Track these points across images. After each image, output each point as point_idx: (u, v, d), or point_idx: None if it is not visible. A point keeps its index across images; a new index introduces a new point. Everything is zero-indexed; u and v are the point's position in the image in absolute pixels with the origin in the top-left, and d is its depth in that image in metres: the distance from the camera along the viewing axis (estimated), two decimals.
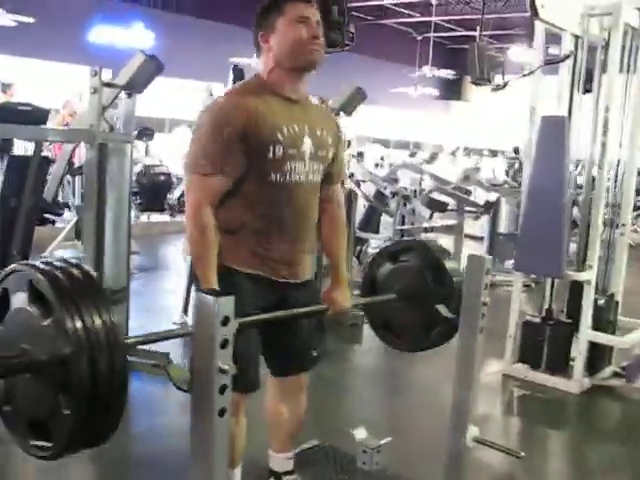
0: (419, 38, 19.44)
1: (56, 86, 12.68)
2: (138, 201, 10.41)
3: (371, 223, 8.00)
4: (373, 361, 5.35)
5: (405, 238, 2.90)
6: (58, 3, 10.36)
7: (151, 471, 3.28)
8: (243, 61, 12.42)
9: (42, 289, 1.48)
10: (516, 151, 14.41)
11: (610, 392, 4.65)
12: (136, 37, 13.65)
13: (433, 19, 16.04)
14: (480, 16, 13.99)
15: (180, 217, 10.49)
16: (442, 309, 2.54)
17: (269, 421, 2.73)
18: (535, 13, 4.15)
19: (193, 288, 5.39)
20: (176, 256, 9.23)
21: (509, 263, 4.66)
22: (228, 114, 2.24)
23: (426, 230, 7.18)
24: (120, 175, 4.56)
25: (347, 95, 5.34)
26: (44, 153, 5.59)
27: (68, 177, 8.42)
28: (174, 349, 4.89)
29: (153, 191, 10.73)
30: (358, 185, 7.60)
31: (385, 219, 8.21)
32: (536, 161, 4.51)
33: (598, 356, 4.75)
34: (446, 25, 18.30)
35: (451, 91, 21.11)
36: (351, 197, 5.89)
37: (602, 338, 4.67)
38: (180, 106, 14.72)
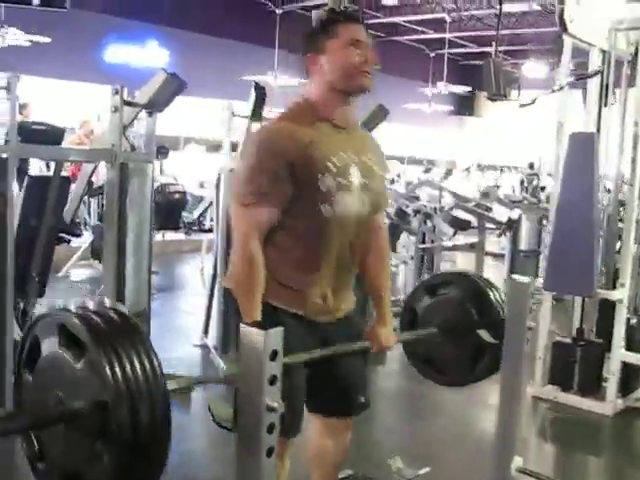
0: (432, 55, 19.42)
1: (71, 105, 12.68)
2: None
3: (391, 241, 7.89)
4: (397, 383, 5.24)
5: (445, 271, 2.82)
6: (73, 22, 10.35)
7: None
8: (256, 78, 12.44)
9: (77, 332, 1.39)
10: (531, 166, 14.30)
11: None
12: (151, 55, 13.64)
13: (447, 36, 16.00)
14: (493, 32, 13.93)
15: (195, 235, 10.44)
16: (484, 334, 2.44)
17: (312, 453, 2.59)
18: (564, 28, 4.07)
19: (215, 309, 5.37)
20: (192, 275, 9.17)
21: (539, 282, 4.55)
22: (277, 143, 2.16)
23: (447, 248, 7.07)
24: (141, 195, 4.48)
25: (369, 112, 5.25)
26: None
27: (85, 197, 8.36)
28: (196, 373, 4.81)
29: (168, 209, 10.65)
30: None
31: (402, 237, 8.12)
32: (565, 178, 4.41)
33: (631, 376, 4.63)
34: (459, 42, 18.26)
35: (464, 107, 21.03)
36: None
37: (635, 358, 4.55)
38: (193, 124, 14.74)
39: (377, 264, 2.46)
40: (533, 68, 16.34)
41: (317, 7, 5.96)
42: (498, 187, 12.24)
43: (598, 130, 4.55)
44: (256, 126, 4.73)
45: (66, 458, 1.44)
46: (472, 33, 17.28)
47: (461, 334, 2.48)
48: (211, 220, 8.85)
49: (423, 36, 18.15)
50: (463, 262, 9.62)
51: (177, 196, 10.86)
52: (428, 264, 7.23)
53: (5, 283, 3.64)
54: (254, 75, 13.10)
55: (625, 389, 4.59)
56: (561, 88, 4.42)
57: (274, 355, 1.52)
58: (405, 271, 7.42)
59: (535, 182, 11.30)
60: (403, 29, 17.33)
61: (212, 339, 5.33)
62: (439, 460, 3.70)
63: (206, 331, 5.49)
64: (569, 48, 4.50)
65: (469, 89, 17.04)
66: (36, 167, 8.67)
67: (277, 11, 14.83)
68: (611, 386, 4.49)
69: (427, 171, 16.77)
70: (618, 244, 4.80)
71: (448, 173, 15.43)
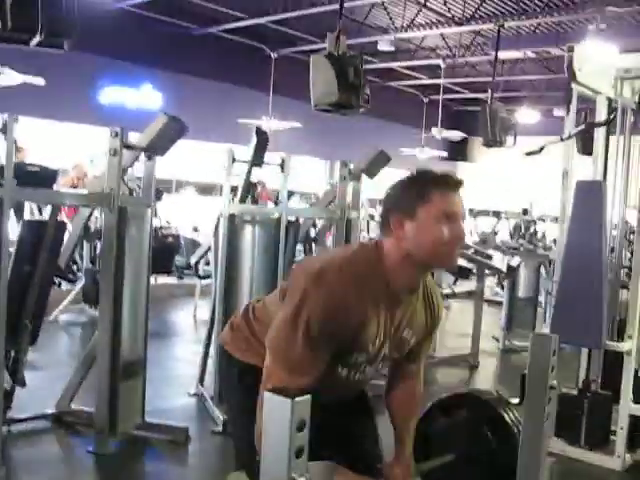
0: (426, 100, 19.47)
1: (65, 146, 12.62)
2: None
3: None
4: None
5: (458, 391, 2.71)
6: (67, 63, 10.32)
7: None
8: (251, 122, 12.40)
9: None
10: (525, 212, 14.26)
11: None
12: (145, 97, 13.61)
13: (442, 81, 16.06)
14: (486, 79, 14.04)
15: (188, 279, 10.34)
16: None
17: None
18: (573, 77, 4.03)
19: (211, 358, 5.20)
20: (186, 321, 9.03)
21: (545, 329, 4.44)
22: (332, 317, 1.95)
23: (448, 296, 6.97)
24: (139, 240, 4.38)
25: (371, 158, 5.20)
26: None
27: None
28: (192, 424, 4.67)
29: (162, 253, 10.55)
30: None
31: None
32: (572, 227, 4.35)
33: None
34: (453, 87, 18.35)
35: (457, 152, 21.06)
36: None
37: None
38: (186, 166, 14.68)
39: (406, 408, 2.43)
40: (527, 114, 16.39)
41: (314, 51, 5.96)
42: (496, 233, 12.18)
43: (604, 178, 4.51)
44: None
45: None
46: (464, 79, 17.38)
47: (480, 460, 2.41)
48: (207, 264, 8.72)
49: (417, 82, 18.23)
50: (460, 309, 9.50)
51: (171, 239, 10.79)
52: None
53: None
54: (249, 119, 13.09)
55: (634, 443, 4.46)
56: (570, 137, 4.37)
57: (302, 425, 1.38)
58: None
59: (532, 228, 11.24)
60: (396, 74, 17.40)
61: (208, 388, 5.18)
62: None
63: (202, 380, 5.34)
64: (575, 97, 4.48)
65: (463, 135, 17.06)
66: (27, 208, 8.54)
67: (272, 55, 14.88)
68: (619, 440, 4.36)
69: None
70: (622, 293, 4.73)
71: None
